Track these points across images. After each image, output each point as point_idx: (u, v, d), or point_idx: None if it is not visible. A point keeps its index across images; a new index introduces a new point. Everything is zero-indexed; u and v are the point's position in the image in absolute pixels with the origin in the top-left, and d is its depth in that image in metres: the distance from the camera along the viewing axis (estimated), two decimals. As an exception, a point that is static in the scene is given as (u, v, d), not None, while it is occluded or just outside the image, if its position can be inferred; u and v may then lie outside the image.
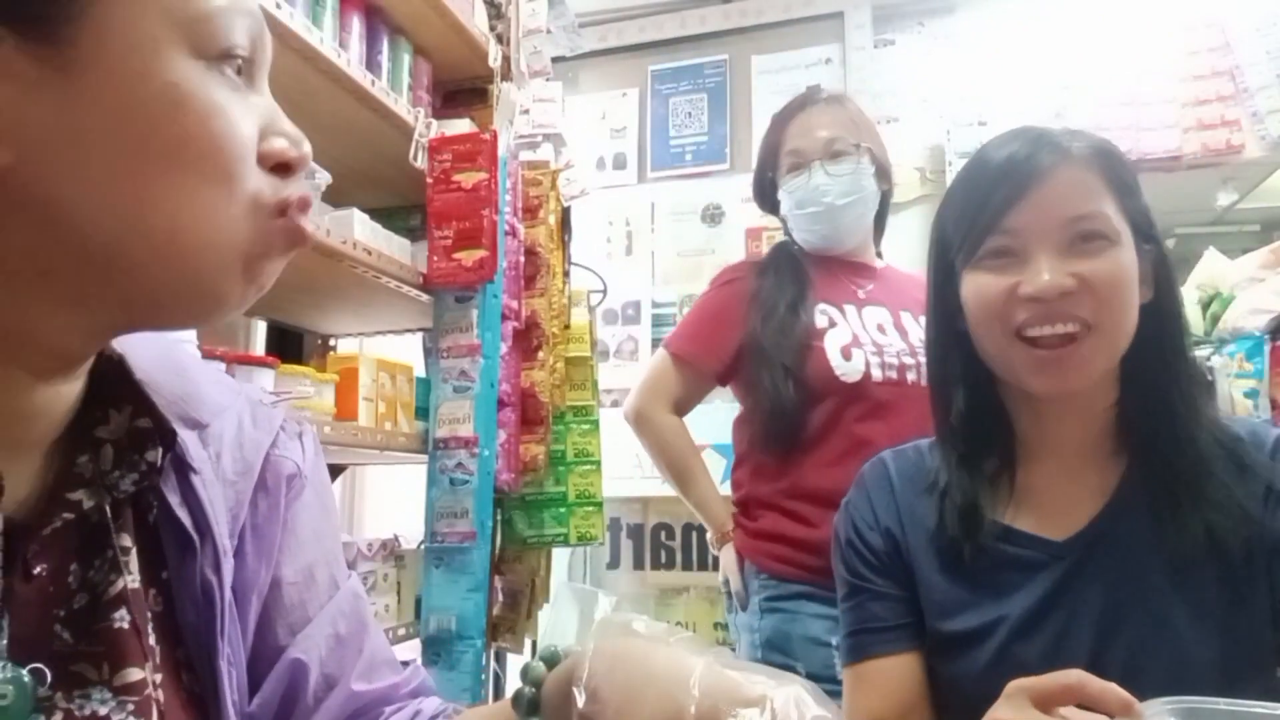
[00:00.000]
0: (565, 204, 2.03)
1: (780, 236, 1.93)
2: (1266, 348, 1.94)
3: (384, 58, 1.66)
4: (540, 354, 1.87)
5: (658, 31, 3.18)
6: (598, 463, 2.01)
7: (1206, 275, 2.22)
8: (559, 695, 0.51)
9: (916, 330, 1.70)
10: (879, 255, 1.88)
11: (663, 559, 2.87)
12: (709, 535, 1.84)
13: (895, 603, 0.94)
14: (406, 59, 1.73)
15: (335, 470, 2.04)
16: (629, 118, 3.17)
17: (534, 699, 0.53)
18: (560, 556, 2.57)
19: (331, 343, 2.16)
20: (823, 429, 1.64)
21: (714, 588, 2.36)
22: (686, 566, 2.84)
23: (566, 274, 2.04)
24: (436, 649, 1.62)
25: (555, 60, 2.17)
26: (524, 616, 1.89)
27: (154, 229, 0.45)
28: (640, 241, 3.08)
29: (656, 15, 3.18)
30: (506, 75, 1.94)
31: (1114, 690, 0.60)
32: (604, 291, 2.29)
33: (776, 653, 1.60)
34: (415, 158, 1.66)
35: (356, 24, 1.58)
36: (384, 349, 2.08)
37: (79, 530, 0.50)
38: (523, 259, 1.85)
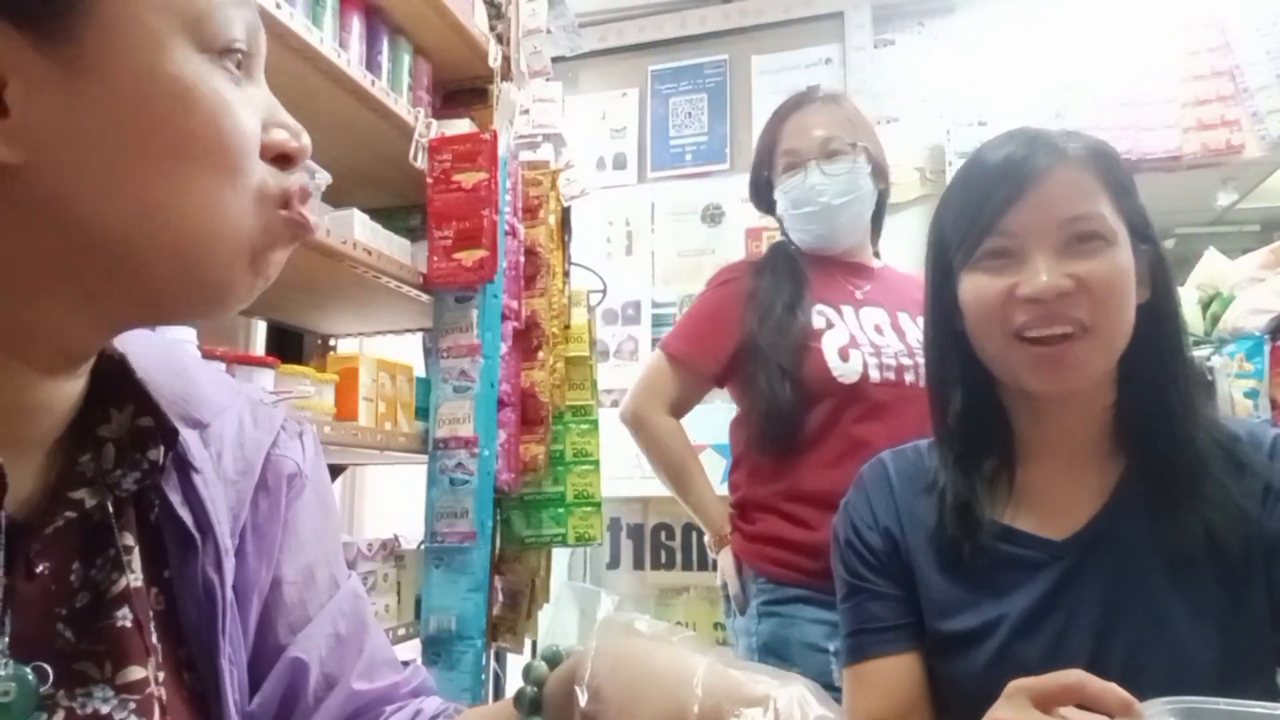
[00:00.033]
0: (565, 204, 2.03)
1: (780, 237, 1.93)
2: (1266, 348, 1.94)
3: (384, 58, 1.66)
4: (540, 354, 1.87)
5: (658, 31, 3.18)
6: (596, 463, 2.01)
7: (1206, 275, 2.22)
8: (561, 694, 0.51)
9: (914, 331, 1.69)
10: (876, 255, 1.87)
11: (663, 559, 2.87)
12: (706, 538, 1.82)
13: (895, 603, 0.95)
14: (406, 59, 1.73)
15: (335, 470, 2.04)
16: (629, 118, 3.17)
17: (536, 698, 0.53)
18: (560, 556, 2.57)
19: (331, 343, 2.16)
20: (820, 430, 1.62)
21: (714, 588, 2.36)
22: (686, 566, 2.84)
23: (566, 274, 2.04)
24: (436, 649, 1.62)
25: (555, 60, 2.17)
26: (524, 616, 1.88)
27: (163, 223, 0.45)
28: (640, 241, 3.09)
29: (656, 15, 3.19)
30: (506, 75, 1.93)
31: (1114, 690, 0.60)
32: (604, 291, 2.28)
33: (773, 658, 1.58)
34: (415, 158, 1.66)
35: (356, 24, 1.58)
36: (384, 349, 2.07)
37: (81, 529, 0.50)
38: (523, 259, 1.85)
